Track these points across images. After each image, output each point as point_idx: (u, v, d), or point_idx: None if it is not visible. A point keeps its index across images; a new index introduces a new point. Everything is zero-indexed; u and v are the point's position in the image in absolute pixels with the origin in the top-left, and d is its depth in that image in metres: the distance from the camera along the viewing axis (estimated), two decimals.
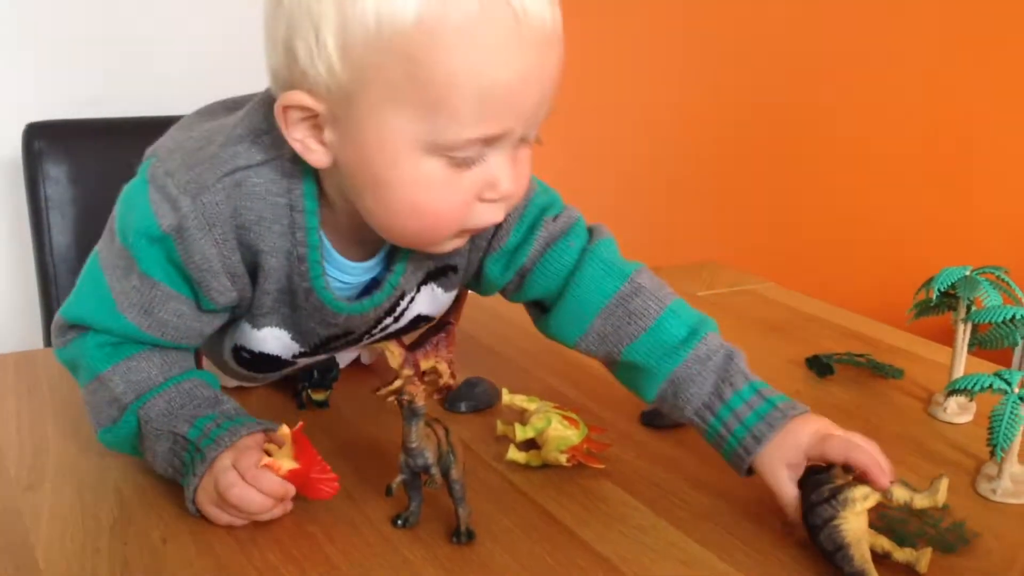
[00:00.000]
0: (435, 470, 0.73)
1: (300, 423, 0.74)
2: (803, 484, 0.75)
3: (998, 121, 1.62)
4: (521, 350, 1.16)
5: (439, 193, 0.72)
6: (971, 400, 1.00)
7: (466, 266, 0.90)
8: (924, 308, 1.02)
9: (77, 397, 0.97)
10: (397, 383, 1.02)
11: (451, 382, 1.02)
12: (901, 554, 0.71)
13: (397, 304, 0.88)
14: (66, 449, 0.87)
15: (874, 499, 0.71)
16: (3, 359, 1.07)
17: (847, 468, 0.74)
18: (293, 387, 1.01)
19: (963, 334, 1.00)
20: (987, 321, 0.92)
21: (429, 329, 1.02)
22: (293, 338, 0.87)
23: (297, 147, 0.72)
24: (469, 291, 1.05)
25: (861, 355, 1.13)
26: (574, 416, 0.87)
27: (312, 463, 0.74)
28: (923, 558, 0.71)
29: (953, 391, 0.86)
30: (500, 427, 0.88)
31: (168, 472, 0.79)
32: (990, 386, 0.83)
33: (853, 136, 1.86)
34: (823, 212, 1.94)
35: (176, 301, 0.79)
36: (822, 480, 0.73)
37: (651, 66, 2.29)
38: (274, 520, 0.76)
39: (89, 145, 1.46)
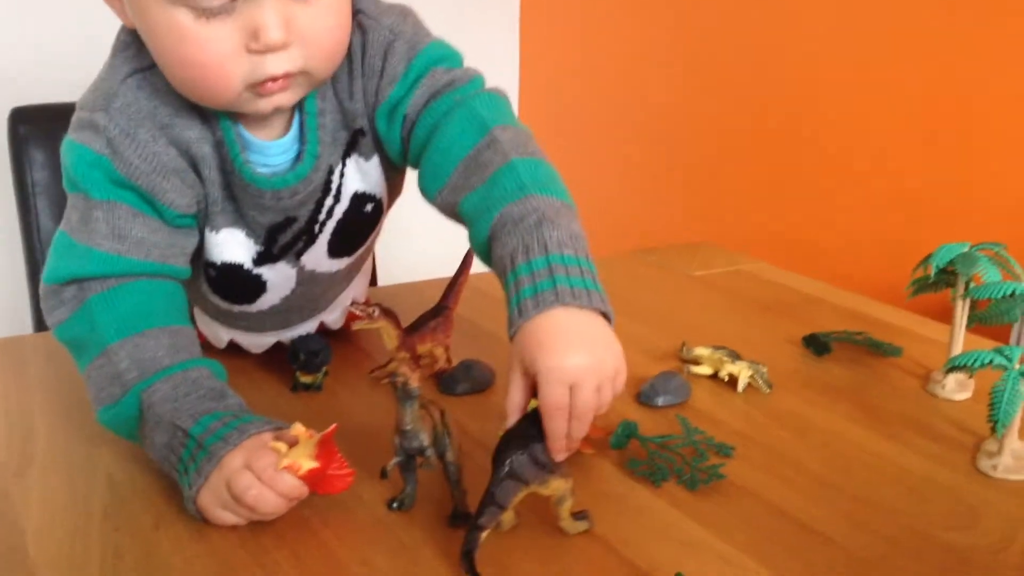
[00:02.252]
0: (430, 452, 0.72)
1: (334, 426, 0.71)
2: (524, 419, 0.70)
3: (997, 96, 1.61)
4: None
5: (195, 44, 0.74)
6: (970, 377, 0.99)
7: (370, 127, 0.89)
8: (922, 285, 1.01)
9: (66, 382, 0.96)
10: (392, 365, 1.00)
11: (447, 367, 1.01)
12: (566, 522, 0.71)
13: (329, 180, 0.89)
14: (55, 434, 0.86)
15: (551, 490, 0.69)
16: None
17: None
18: (289, 372, 1.00)
19: (962, 311, 0.99)
20: (986, 297, 0.91)
21: (426, 313, 1.01)
22: (247, 235, 0.89)
23: (117, 13, 0.80)
24: (467, 276, 1.04)
25: (859, 333, 1.13)
26: None
27: (331, 461, 0.72)
28: (570, 525, 0.71)
29: (953, 368, 0.86)
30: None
31: (163, 465, 0.77)
32: (990, 362, 0.82)
33: (849, 114, 1.85)
34: (818, 191, 1.93)
35: (142, 218, 0.82)
36: (528, 438, 0.67)
37: (644, 47, 2.27)
38: None
39: None
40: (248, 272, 0.90)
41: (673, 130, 2.25)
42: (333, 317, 1.07)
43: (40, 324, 1.41)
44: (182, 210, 0.84)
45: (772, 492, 0.79)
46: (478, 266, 1.22)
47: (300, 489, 0.71)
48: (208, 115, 0.82)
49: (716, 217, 2.18)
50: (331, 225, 0.92)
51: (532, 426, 0.68)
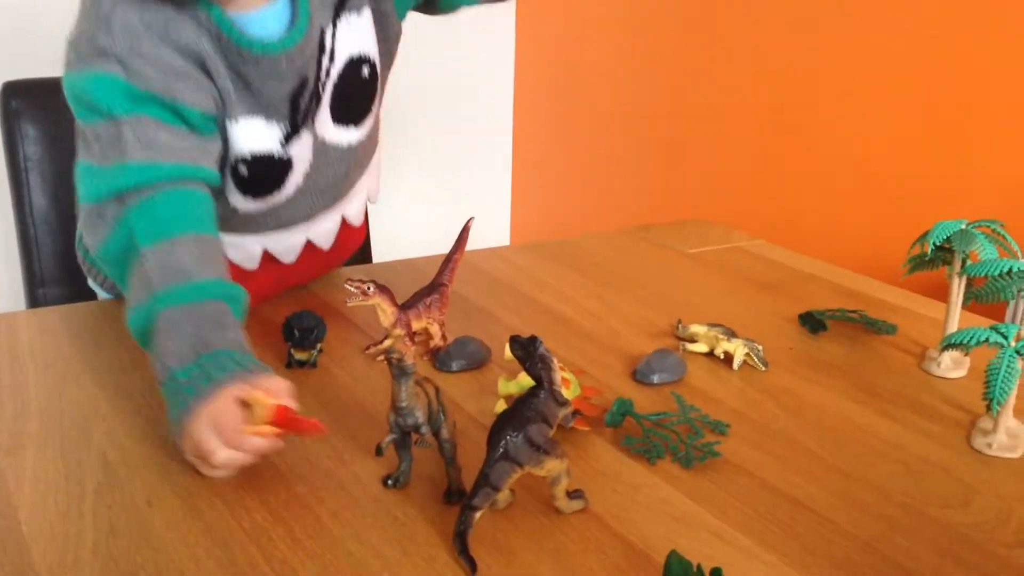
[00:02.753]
0: (425, 429, 0.72)
1: (285, 406, 0.73)
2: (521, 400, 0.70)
3: (993, 73, 1.60)
4: (512, 310, 1.15)
5: None
6: (966, 355, 0.99)
7: None
8: (919, 263, 1.01)
9: (60, 359, 0.96)
10: (387, 342, 1.00)
11: (441, 344, 1.00)
12: (561, 502, 0.71)
13: (323, 42, 0.95)
14: (49, 412, 0.85)
15: (546, 471, 0.69)
16: None
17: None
18: (284, 349, 0.99)
19: (958, 288, 0.99)
20: (983, 275, 0.91)
21: (422, 290, 1.01)
22: (267, 119, 0.94)
23: None
24: (463, 253, 1.04)
25: (854, 311, 1.13)
26: (568, 376, 0.86)
27: (290, 420, 0.74)
28: (565, 504, 0.71)
29: (948, 345, 0.86)
30: (501, 384, 0.87)
31: (154, 369, 0.82)
32: (986, 340, 0.82)
33: (845, 93, 1.84)
34: (814, 168, 1.93)
35: (166, 128, 0.87)
36: (524, 419, 0.67)
37: (641, 27, 2.26)
38: (262, 481, 0.75)
39: (65, 102, 1.42)
40: (279, 160, 0.96)
41: (669, 109, 2.24)
42: (353, 211, 1.11)
43: (33, 300, 1.40)
44: (203, 109, 0.89)
45: (767, 470, 0.79)
46: (474, 243, 1.21)
47: (267, 444, 0.74)
48: (197, 14, 0.88)
49: (712, 194, 2.17)
50: (330, 87, 0.98)
51: (527, 408, 0.68)
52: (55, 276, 1.41)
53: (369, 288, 0.97)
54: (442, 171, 2.56)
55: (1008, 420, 0.83)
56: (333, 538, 0.68)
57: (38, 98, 1.41)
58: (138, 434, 0.82)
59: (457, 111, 2.54)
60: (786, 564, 0.67)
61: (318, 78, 0.97)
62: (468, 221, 1.06)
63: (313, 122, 0.98)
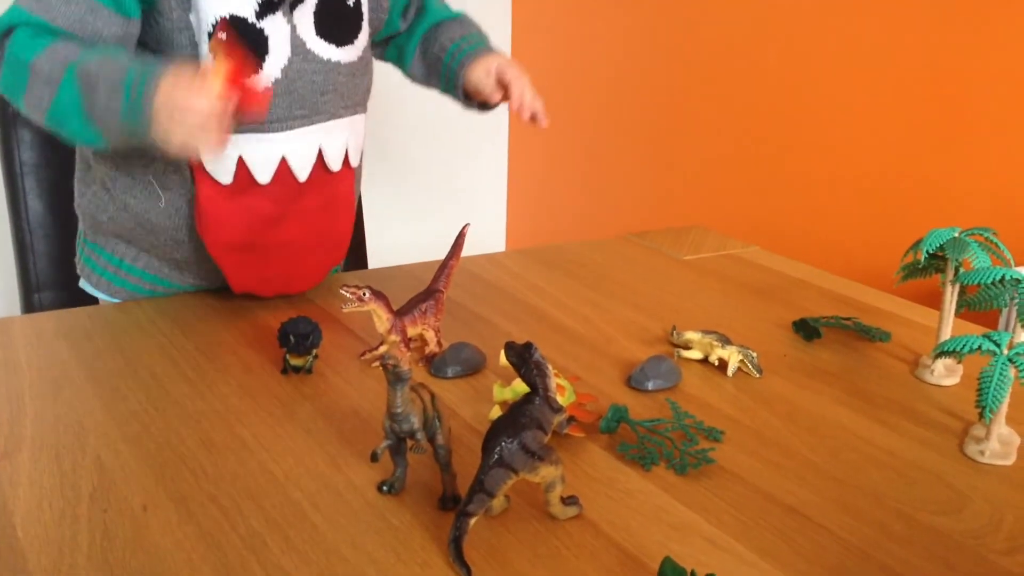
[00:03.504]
0: (421, 435, 0.72)
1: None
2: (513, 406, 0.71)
3: (986, 81, 1.61)
4: (508, 316, 1.15)
5: None
6: (959, 362, 1.00)
7: None
8: (912, 270, 1.01)
9: (55, 365, 0.96)
10: (382, 348, 1.00)
11: (437, 349, 1.01)
12: (556, 508, 0.72)
13: None
14: (43, 416, 0.85)
15: (540, 478, 0.69)
16: None
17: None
18: (279, 355, 1.00)
19: (951, 296, 0.99)
20: (975, 283, 0.92)
21: (417, 296, 1.01)
22: None
23: None
24: (458, 259, 1.04)
25: (848, 318, 1.13)
26: (563, 383, 0.87)
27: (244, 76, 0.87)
28: (560, 511, 0.72)
29: (941, 353, 0.86)
30: (496, 391, 0.88)
31: (108, 117, 0.91)
32: (979, 347, 0.82)
33: (840, 101, 1.84)
34: (808, 175, 1.93)
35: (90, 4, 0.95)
36: (518, 426, 0.68)
37: (637, 36, 2.26)
38: (257, 487, 0.75)
39: None
40: (252, 26, 1.00)
41: (665, 116, 2.24)
42: (330, 146, 1.11)
43: (29, 306, 1.40)
44: None
45: (761, 476, 0.79)
46: (469, 249, 1.22)
47: (224, 92, 0.84)
48: None
49: (707, 201, 2.18)
50: None
51: (522, 414, 0.68)
52: (51, 281, 1.41)
53: (365, 294, 0.97)
54: (437, 177, 2.56)
55: (1001, 427, 0.83)
56: (328, 544, 0.68)
57: None
58: (133, 439, 0.82)
59: (452, 117, 2.54)
60: (779, 570, 0.67)
61: None
62: (464, 227, 1.07)
63: (291, 13, 1.03)
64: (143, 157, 1.07)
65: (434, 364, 0.98)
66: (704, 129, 2.15)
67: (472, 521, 0.67)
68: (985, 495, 0.78)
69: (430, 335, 1.01)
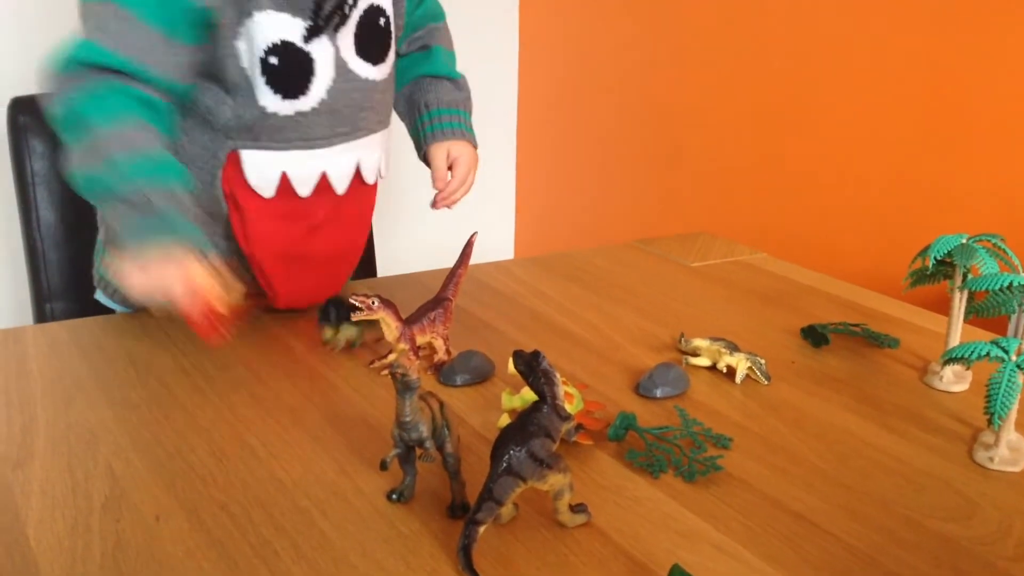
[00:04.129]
0: (430, 444, 0.73)
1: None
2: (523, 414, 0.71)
3: (992, 86, 1.61)
4: (516, 324, 1.15)
5: None
6: (968, 368, 1.00)
7: None
8: (920, 277, 1.01)
9: (67, 374, 0.97)
10: (391, 357, 1.01)
11: (446, 358, 1.01)
12: (564, 516, 0.72)
13: None
14: (56, 426, 0.86)
15: (549, 486, 0.69)
16: None
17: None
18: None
19: (959, 302, 0.99)
20: (984, 289, 0.92)
21: (426, 304, 1.02)
22: (291, 14, 1.02)
23: None
24: (467, 267, 1.05)
25: (856, 325, 1.13)
26: (572, 391, 0.87)
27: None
28: (568, 518, 0.72)
29: (950, 359, 0.86)
30: (504, 399, 0.88)
31: (120, 225, 0.95)
32: (987, 354, 0.82)
33: (847, 107, 1.84)
34: (816, 181, 1.93)
35: (146, 30, 0.96)
36: (526, 434, 0.68)
37: (642, 41, 2.27)
38: (267, 495, 0.75)
39: None
40: (300, 51, 1.03)
41: (672, 123, 2.25)
42: (367, 160, 1.15)
43: (41, 315, 1.41)
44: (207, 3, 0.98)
45: (769, 483, 0.80)
46: (478, 257, 1.22)
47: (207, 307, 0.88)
48: None
49: (715, 208, 2.18)
50: (356, 17, 1.08)
51: (530, 422, 0.69)
52: (62, 291, 1.42)
53: (374, 303, 0.97)
54: None
55: (1010, 434, 0.83)
56: (337, 551, 0.69)
57: (44, 112, 1.42)
58: (145, 448, 0.82)
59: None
60: None
61: (345, 1, 1.06)
62: (472, 236, 1.07)
63: (335, 35, 1.06)
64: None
65: (443, 372, 0.99)
66: (711, 136, 2.15)
67: (481, 529, 0.67)
68: (994, 502, 0.78)
69: (439, 343, 1.01)
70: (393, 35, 1.15)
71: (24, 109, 1.41)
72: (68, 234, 1.41)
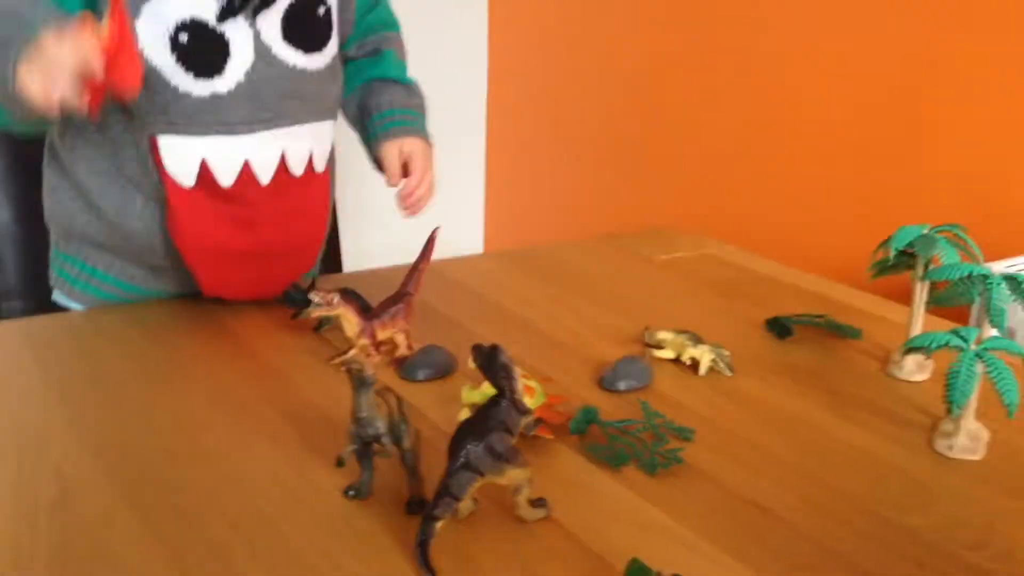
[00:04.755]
0: (387, 440, 0.72)
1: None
2: (485, 407, 0.70)
3: (954, 76, 1.62)
4: (479, 318, 1.14)
5: None
6: (928, 358, 1.00)
7: None
8: (882, 267, 1.01)
9: (14, 375, 0.95)
10: (352, 352, 0.99)
11: (407, 352, 1.00)
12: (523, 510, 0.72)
13: None
14: (5, 426, 0.84)
15: (507, 480, 0.69)
16: None
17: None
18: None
19: (921, 293, 0.99)
20: (945, 279, 0.92)
21: (387, 300, 1.01)
22: None
23: None
24: (428, 263, 1.04)
25: (820, 316, 1.13)
26: (532, 384, 0.86)
27: (124, 42, 0.85)
28: (527, 513, 0.71)
29: (910, 349, 0.86)
30: (464, 393, 0.87)
31: None
32: (947, 343, 0.82)
33: (806, 95, 1.85)
34: (778, 172, 1.94)
35: None
36: (485, 428, 0.67)
37: (609, 34, 2.26)
38: (221, 494, 0.74)
39: None
40: (212, 31, 0.99)
41: (635, 115, 2.25)
42: (293, 152, 1.10)
43: None
44: None
45: (731, 475, 0.79)
46: (446, 251, 1.21)
47: (93, 50, 0.83)
48: None
49: (679, 201, 2.18)
50: (285, 2, 1.04)
51: (488, 417, 0.68)
52: (20, 290, 1.39)
53: (334, 299, 0.96)
54: None
55: (969, 423, 0.83)
56: (293, 550, 0.68)
57: None
58: (96, 449, 0.81)
59: (428, 118, 2.54)
60: (748, 569, 0.67)
61: None
62: (434, 231, 1.06)
63: (255, 18, 1.02)
64: (116, 156, 1.06)
65: (404, 367, 0.97)
66: (679, 129, 2.15)
67: (439, 525, 0.66)
68: (953, 491, 0.78)
69: (400, 338, 1.00)
70: (335, 28, 1.12)
71: None
72: (23, 233, 1.39)
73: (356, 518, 0.72)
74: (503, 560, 0.67)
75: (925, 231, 0.97)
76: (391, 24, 1.28)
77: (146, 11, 0.98)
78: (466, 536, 0.70)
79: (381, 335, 0.99)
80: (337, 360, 0.99)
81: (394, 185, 1.19)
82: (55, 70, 0.83)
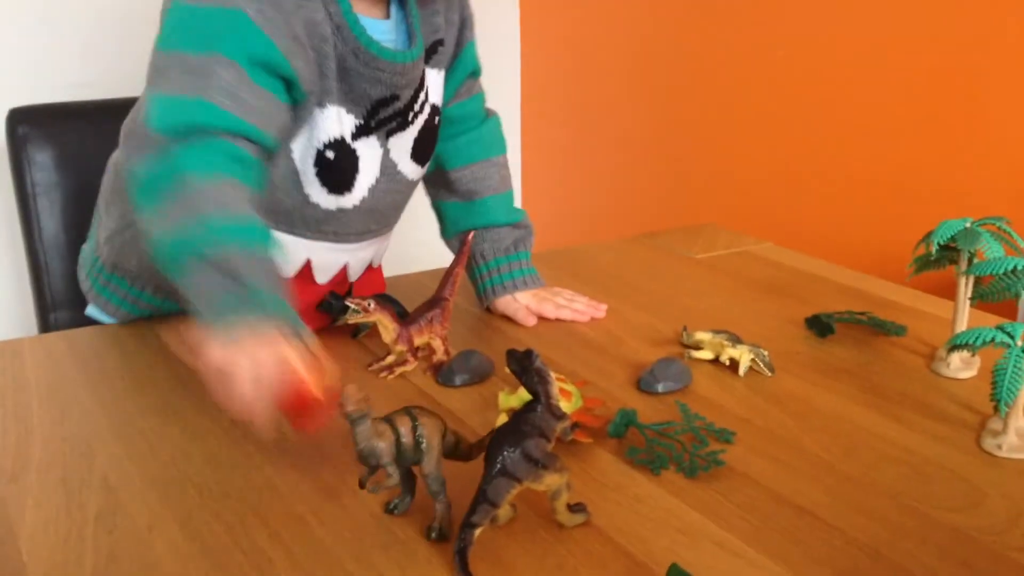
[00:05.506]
0: (392, 469, 0.69)
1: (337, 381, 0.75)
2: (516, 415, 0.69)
3: (996, 70, 1.58)
4: (514, 322, 1.14)
5: None
6: (974, 355, 0.98)
7: (451, 47, 1.11)
8: (924, 263, 1.00)
9: (64, 385, 0.96)
10: (390, 359, 1.00)
11: (444, 358, 1.00)
12: (562, 515, 0.71)
13: (423, 79, 1.04)
14: (51, 438, 0.86)
15: (545, 486, 0.68)
16: None
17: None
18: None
19: (965, 288, 0.97)
20: (989, 273, 0.90)
21: (424, 305, 1.01)
22: (348, 111, 0.98)
23: None
24: (463, 266, 1.04)
25: (862, 313, 1.11)
26: (570, 388, 0.86)
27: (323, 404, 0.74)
28: (567, 518, 0.70)
29: (955, 346, 0.84)
30: (502, 399, 0.87)
31: (195, 298, 0.79)
32: (992, 340, 0.81)
33: (847, 91, 1.82)
34: (818, 169, 1.91)
35: (254, 87, 0.88)
36: (521, 434, 0.67)
37: (636, 25, 2.25)
38: (261, 502, 0.75)
39: (73, 128, 1.43)
40: (347, 146, 1.00)
41: (670, 112, 2.23)
42: (381, 250, 1.16)
43: (45, 326, 1.41)
44: (305, 79, 0.93)
45: (772, 477, 0.78)
46: None
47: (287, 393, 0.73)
48: (327, 3, 0.93)
49: (720, 199, 2.16)
50: (420, 122, 1.05)
51: (524, 422, 0.68)
52: (66, 301, 1.42)
53: (370, 304, 0.97)
54: None
55: (1018, 420, 0.81)
56: (332, 558, 0.68)
57: (44, 124, 1.42)
58: (140, 458, 0.82)
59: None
60: (790, 573, 0.66)
61: (411, 106, 1.03)
62: (468, 234, 1.06)
63: (387, 139, 1.03)
64: None
65: (441, 373, 0.98)
66: (715, 125, 2.13)
67: (477, 532, 0.66)
68: (1003, 490, 0.76)
69: (437, 344, 1.00)
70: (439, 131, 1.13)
71: (23, 119, 1.41)
72: (70, 244, 1.41)
73: (397, 527, 0.72)
74: (543, 567, 0.67)
75: (968, 224, 0.96)
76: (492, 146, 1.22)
77: (306, 119, 0.97)
78: (505, 542, 0.70)
79: (418, 340, 0.99)
80: (375, 367, 1.00)
81: (532, 324, 1.15)
82: (235, 385, 0.73)
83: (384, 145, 1.03)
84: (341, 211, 1.02)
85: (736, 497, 0.75)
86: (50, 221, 1.42)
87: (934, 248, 0.95)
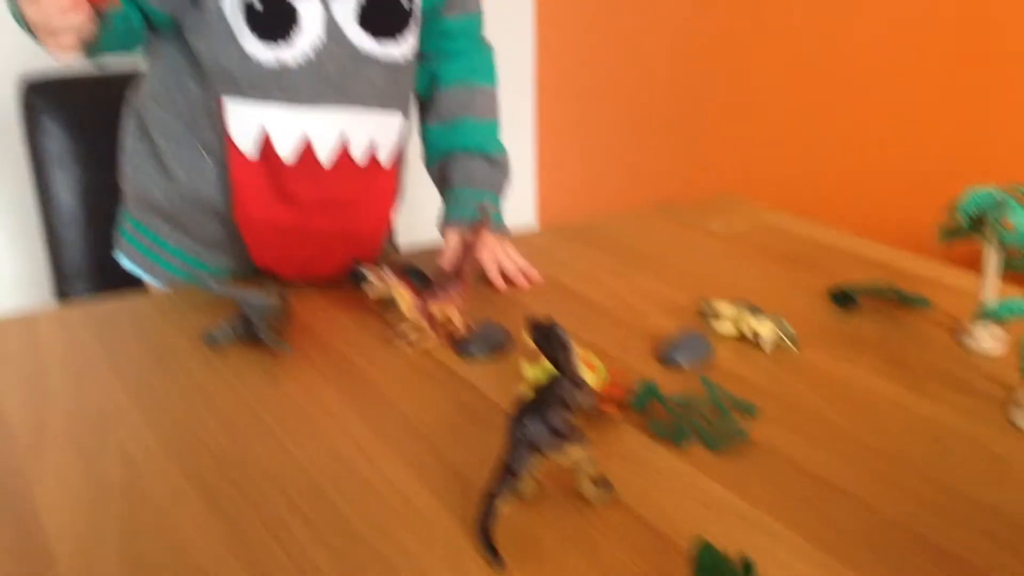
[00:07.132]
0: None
1: None
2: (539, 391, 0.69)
3: (1019, 34, 1.55)
4: (534, 294, 1.13)
5: None
6: (1002, 327, 0.96)
7: None
8: (951, 233, 0.98)
9: (81, 358, 0.96)
10: (403, 326, 0.99)
11: (463, 330, 0.99)
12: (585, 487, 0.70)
13: None
14: (69, 409, 0.85)
15: (568, 458, 0.68)
16: (5, 323, 1.06)
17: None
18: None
19: (992, 258, 0.96)
20: (1017, 243, 0.88)
21: (441, 276, 1.00)
22: None
23: None
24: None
25: (886, 285, 1.10)
26: (595, 361, 0.85)
27: None
28: (591, 492, 0.70)
29: (983, 318, 0.83)
30: (526, 369, 0.86)
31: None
32: (1021, 311, 0.79)
33: (868, 56, 1.79)
34: (839, 138, 1.89)
35: None
36: (544, 405, 0.67)
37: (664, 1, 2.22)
38: (284, 476, 0.74)
39: (85, 98, 1.42)
40: (286, 3, 1.00)
41: (689, 82, 2.20)
42: (356, 136, 1.10)
43: (62, 296, 1.41)
44: None
45: (796, 450, 0.77)
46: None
47: None
48: None
49: (735, 169, 2.14)
50: None
51: (548, 394, 0.67)
52: (82, 271, 1.42)
53: (387, 275, 0.96)
54: None
55: None
56: (354, 531, 0.68)
57: (57, 94, 1.41)
58: (159, 429, 0.81)
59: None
60: (814, 546, 0.65)
61: None
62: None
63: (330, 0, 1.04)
64: (191, 119, 1.09)
65: (460, 345, 0.97)
66: (734, 95, 2.10)
67: (500, 503, 0.65)
68: None
69: (455, 315, 0.99)
70: (415, 19, 1.12)
71: (36, 90, 1.40)
72: (86, 215, 1.41)
73: (418, 498, 0.71)
74: (565, 540, 0.66)
75: (993, 193, 0.94)
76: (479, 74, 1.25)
77: None
78: (530, 518, 0.69)
79: (436, 313, 0.98)
80: (395, 340, 0.99)
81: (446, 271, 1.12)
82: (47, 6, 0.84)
83: (325, 4, 1.04)
84: (284, 68, 1.03)
85: (760, 470, 0.75)
86: (65, 192, 1.41)
87: (964, 219, 0.94)
